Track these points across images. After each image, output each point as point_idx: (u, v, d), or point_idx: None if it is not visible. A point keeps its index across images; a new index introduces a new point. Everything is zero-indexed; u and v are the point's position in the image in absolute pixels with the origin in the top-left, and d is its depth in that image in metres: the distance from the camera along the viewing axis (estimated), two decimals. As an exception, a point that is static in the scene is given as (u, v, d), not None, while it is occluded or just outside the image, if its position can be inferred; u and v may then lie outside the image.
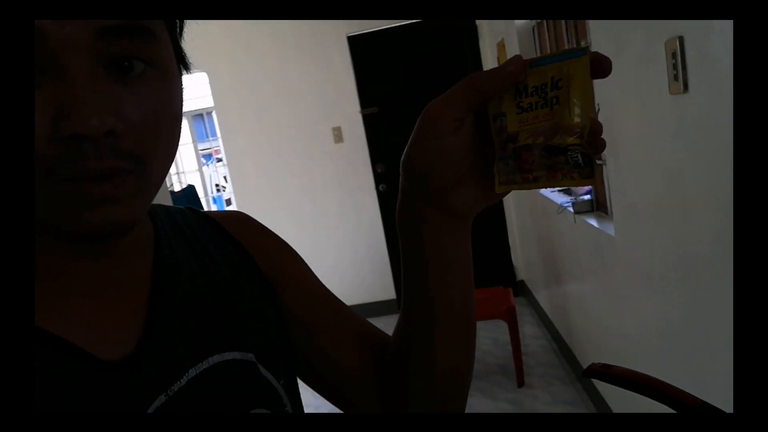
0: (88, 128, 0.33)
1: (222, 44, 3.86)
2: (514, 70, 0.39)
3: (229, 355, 0.49)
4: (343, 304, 0.60)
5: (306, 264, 0.62)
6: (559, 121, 0.38)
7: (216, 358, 0.48)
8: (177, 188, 4.30)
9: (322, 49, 3.86)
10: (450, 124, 0.41)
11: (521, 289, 4.05)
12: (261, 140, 4.02)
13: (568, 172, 0.39)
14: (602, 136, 0.39)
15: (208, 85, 4.01)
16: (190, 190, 4.24)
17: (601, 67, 0.38)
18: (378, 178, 4.00)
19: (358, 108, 3.91)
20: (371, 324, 0.61)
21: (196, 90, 4.56)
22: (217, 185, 7.29)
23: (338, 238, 4.08)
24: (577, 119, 0.38)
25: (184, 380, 0.44)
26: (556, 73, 0.38)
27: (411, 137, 0.43)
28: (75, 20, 0.34)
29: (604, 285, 2.19)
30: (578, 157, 0.38)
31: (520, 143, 0.40)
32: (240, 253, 0.56)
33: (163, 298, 0.47)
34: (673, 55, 1.24)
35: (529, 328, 3.56)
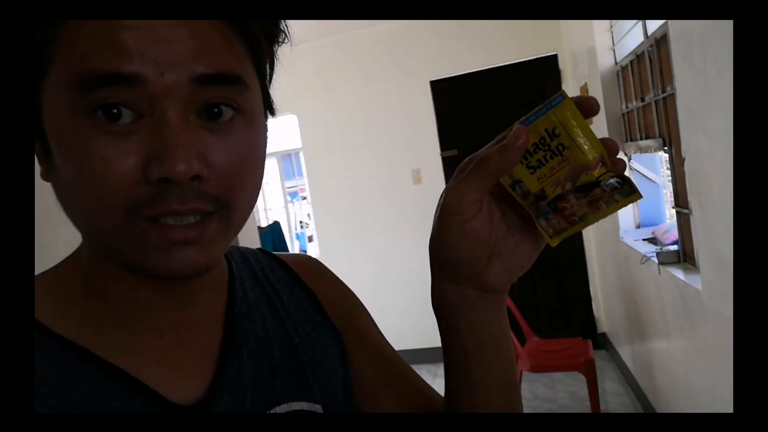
0: (176, 174, 0.34)
1: (311, 88, 4.10)
2: (523, 142, 0.40)
3: (296, 405, 0.48)
4: (402, 361, 0.58)
5: (371, 317, 0.60)
6: (576, 163, 0.39)
7: (283, 408, 0.47)
8: (264, 224, 4.51)
9: (406, 93, 3.99)
10: (471, 209, 0.41)
11: (603, 342, 3.84)
12: (344, 179, 4.17)
13: (609, 198, 0.40)
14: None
15: (297, 127, 4.25)
16: (276, 226, 4.43)
17: (590, 108, 0.40)
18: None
19: (438, 151, 3.97)
20: (426, 384, 0.59)
21: (285, 131, 4.83)
22: (300, 222, 7.58)
23: (417, 278, 4.09)
24: (591, 154, 0.39)
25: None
26: (548, 124, 0.40)
27: (434, 225, 0.43)
28: (174, 68, 0.35)
29: (691, 342, 2.04)
30: (612, 182, 0.39)
31: (551, 197, 0.41)
32: (310, 299, 0.56)
33: (234, 341, 0.47)
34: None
35: (610, 385, 3.35)
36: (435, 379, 3.72)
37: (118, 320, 0.42)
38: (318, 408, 0.49)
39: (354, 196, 4.17)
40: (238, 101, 0.38)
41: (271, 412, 0.46)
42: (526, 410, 3.10)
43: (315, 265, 0.60)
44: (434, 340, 3.29)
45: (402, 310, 4.09)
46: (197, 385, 0.44)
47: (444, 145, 3.97)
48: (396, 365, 0.58)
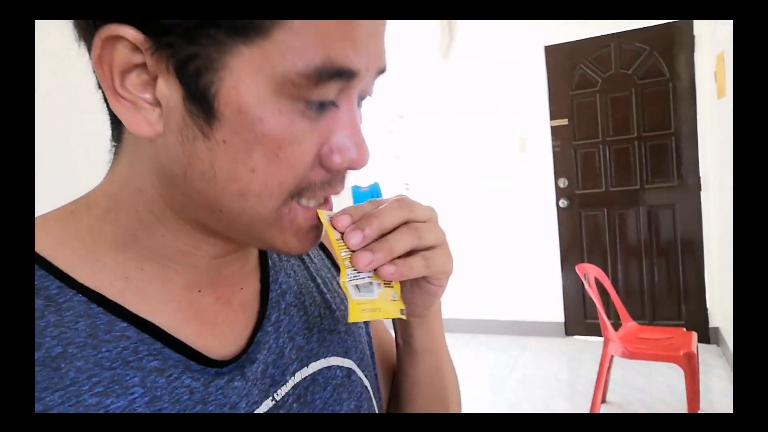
0: (362, 166, 0.38)
1: (415, 47, 4.06)
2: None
3: (333, 360, 0.48)
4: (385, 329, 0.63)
5: None
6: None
7: (321, 363, 0.47)
8: (364, 184, 4.61)
9: (518, 58, 3.82)
10: None
11: (715, 337, 3.53)
12: (446, 142, 4.13)
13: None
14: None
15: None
16: (376, 187, 4.51)
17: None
18: (559, 193, 3.83)
19: (547, 119, 3.79)
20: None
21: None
22: (406, 184, 7.61)
23: (512, 249, 4.01)
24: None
25: (289, 384, 0.44)
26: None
27: None
28: (375, 62, 0.37)
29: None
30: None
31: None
32: (329, 258, 0.57)
33: (272, 293, 0.47)
34: None
35: (718, 383, 3.09)
36: (524, 351, 3.67)
37: (156, 274, 0.40)
38: (351, 364, 0.50)
39: (455, 159, 4.12)
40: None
41: (308, 366, 0.46)
42: (616, 396, 2.97)
43: None
44: (517, 314, 3.25)
45: (494, 280, 4.05)
46: (235, 341, 0.43)
47: (554, 113, 3.77)
48: (390, 337, 0.62)
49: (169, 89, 0.34)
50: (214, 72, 0.33)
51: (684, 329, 2.79)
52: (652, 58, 3.49)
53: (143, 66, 0.34)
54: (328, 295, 0.52)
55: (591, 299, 3.33)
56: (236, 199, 0.36)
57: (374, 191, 4.55)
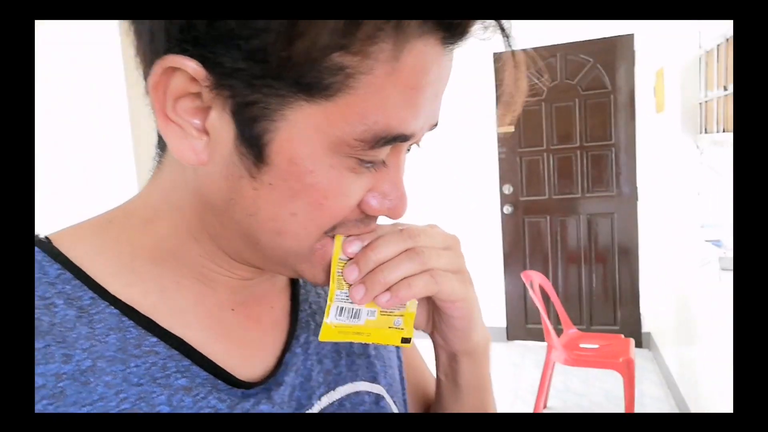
0: (399, 216, 0.39)
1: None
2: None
3: (361, 386, 0.47)
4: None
5: None
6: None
7: (348, 388, 0.46)
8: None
9: (466, 64, 3.83)
10: None
11: (646, 342, 3.67)
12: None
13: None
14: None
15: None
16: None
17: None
18: (504, 199, 3.87)
19: (494, 126, 3.81)
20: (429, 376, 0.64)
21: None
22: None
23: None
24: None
25: (315, 409, 0.43)
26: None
27: None
28: (431, 121, 0.37)
29: (746, 357, 1.88)
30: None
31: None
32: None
33: (302, 314, 0.47)
34: None
35: (649, 387, 3.21)
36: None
37: (191, 289, 0.40)
38: (380, 390, 0.49)
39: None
40: None
41: (335, 391, 0.45)
42: (556, 402, 3.03)
43: None
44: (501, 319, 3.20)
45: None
46: (264, 360, 0.43)
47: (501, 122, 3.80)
48: (422, 363, 0.62)
49: (220, 123, 0.34)
50: (271, 121, 0.33)
51: (621, 335, 2.87)
52: (596, 71, 3.58)
53: (198, 95, 0.34)
54: None
55: (532, 304, 3.39)
56: (273, 236, 0.37)
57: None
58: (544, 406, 2.88)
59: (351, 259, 0.40)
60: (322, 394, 0.44)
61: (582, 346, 2.79)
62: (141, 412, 0.34)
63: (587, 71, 3.60)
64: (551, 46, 3.61)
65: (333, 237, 0.39)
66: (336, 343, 0.47)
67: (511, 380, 3.36)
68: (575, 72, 3.62)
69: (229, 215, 0.37)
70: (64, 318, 0.35)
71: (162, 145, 0.40)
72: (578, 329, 3.04)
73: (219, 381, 0.38)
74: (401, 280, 0.41)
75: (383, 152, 0.36)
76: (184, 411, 0.36)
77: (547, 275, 3.69)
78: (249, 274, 0.43)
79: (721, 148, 2.41)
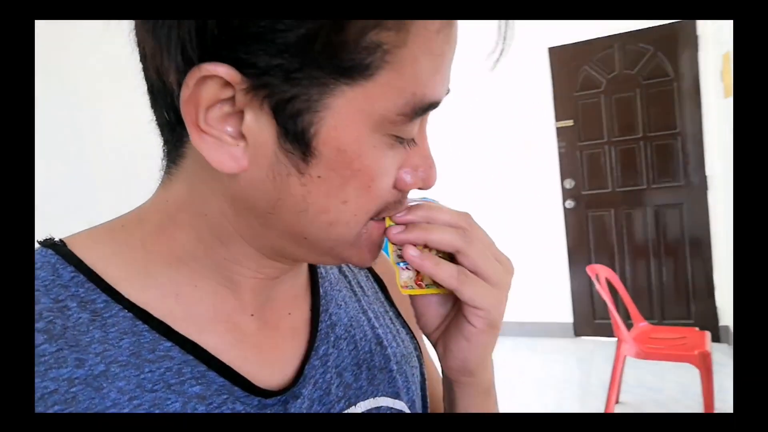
0: (432, 185, 0.39)
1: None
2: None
3: (382, 401, 0.46)
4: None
5: None
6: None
7: (369, 403, 0.45)
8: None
9: (521, 59, 3.83)
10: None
11: (724, 336, 3.52)
12: (451, 144, 4.14)
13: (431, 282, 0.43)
14: None
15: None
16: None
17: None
18: (566, 194, 3.83)
19: (552, 121, 3.79)
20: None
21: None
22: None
23: (519, 251, 4.00)
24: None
25: None
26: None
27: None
28: (447, 87, 0.37)
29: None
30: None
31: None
32: (383, 291, 0.55)
33: (322, 325, 0.46)
34: None
35: (730, 382, 3.09)
36: (533, 353, 3.66)
37: (209, 292, 0.39)
38: (403, 406, 0.47)
39: (461, 164, 4.12)
40: None
41: (356, 406, 0.44)
42: (629, 396, 2.95)
43: (385, 259, 0.58)
44: (524, 315, 3.21)
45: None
46: (282, 369, 0.42)
47: (559, 115, 3.78)
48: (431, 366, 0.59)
49: (258, 125, 0.33)
50: (314, 113, 0.32)
51: (696, 328, 2.79)
52: (656, 59, 3.50)
53: (228, 100, 0.33)
54: (379, 331, 0.49)
55: (599, 300, 3.32)
56: (324, 228, 0.36)
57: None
58: (617, 401, 2.83)
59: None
60: (342, 409, 0.43)
61: (654, 337, 2.73)
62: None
63: (648, 60, 3.51)
64: (609, 36, 3.56)
65: (376, 220, 0.39)
66: (356, 356, 0.46)
67: (581, 376, 3.32)
68: (635, 62, 3.54)
69: (277, 216, 0.36)
70: (78, 321, 0.34)
71: (173, 157, 0.38)
72: (649, 323, 2.97)
73: (236, 388, 0.38)
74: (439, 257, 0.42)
75: (416, 125, 0.36)
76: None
77: (614, 269, 3.62)
78: (276, 272, 0.42)
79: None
